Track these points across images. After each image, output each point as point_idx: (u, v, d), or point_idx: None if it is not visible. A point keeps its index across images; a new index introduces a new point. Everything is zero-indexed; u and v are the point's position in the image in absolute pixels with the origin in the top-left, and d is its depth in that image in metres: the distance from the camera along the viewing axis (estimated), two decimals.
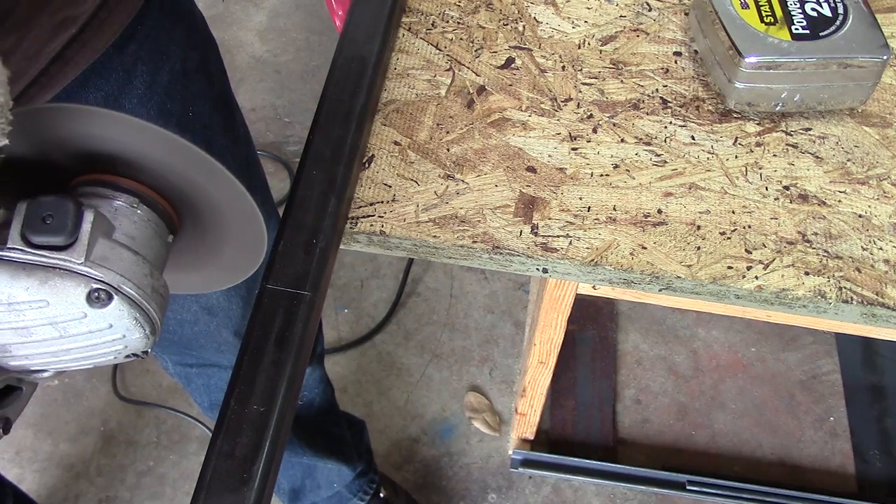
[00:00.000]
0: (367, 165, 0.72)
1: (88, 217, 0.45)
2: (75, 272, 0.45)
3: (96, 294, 0.45)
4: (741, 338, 1.74)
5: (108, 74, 0.70)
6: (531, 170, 0.72)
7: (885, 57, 0.73)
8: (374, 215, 0.69)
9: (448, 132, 0.75)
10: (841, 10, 0.75)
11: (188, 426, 1.62)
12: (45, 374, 0.50)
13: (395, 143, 0.73)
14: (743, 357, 1.72)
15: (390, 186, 0.71)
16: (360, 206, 0.69)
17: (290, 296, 0.57)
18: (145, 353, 0.50)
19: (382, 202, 0.70)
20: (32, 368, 0.49)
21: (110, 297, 0.45)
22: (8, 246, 0.44)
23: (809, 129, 0.77)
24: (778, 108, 0.76)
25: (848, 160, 0.75)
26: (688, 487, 1.51)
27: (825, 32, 0.74)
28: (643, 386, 1.68)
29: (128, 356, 0.49)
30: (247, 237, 0.54)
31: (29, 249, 0.44)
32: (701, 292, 0.68)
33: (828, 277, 0.67)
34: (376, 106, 0.75)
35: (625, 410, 1.65)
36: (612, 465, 1.53)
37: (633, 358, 1.72)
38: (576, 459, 1.53)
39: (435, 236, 0.68)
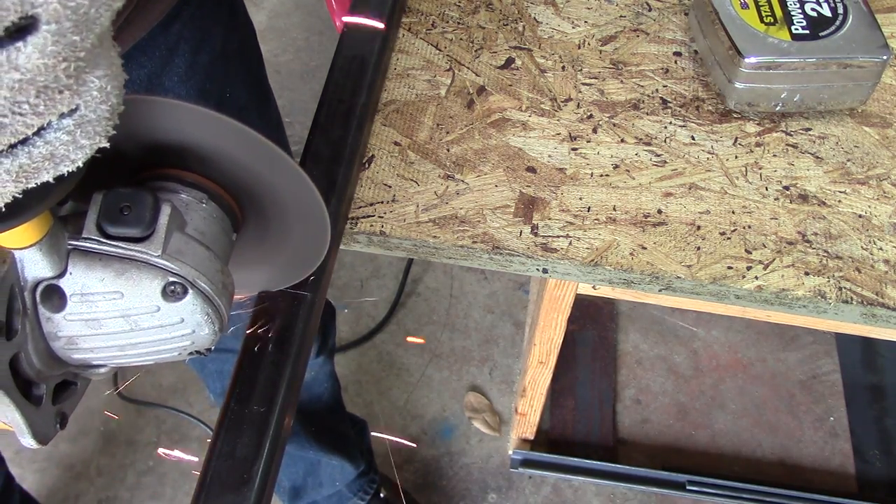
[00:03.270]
0: (367, 165, 0.72)
1: (166, 210, 0.44)
2: (152, 264, 0.44)
3: (172, 287, 0.44)
4: (741, 338, 1.74)
5: (151, 52, 0.71)
6: (531, 170, 0.72)
7: (885, 57, 0.73)
8: (374, 215, 0.69)
9: (448, 132, 0.75)
10: (841, 10, 0.75)
11: (188, 426, 1.62)
12: (103, 370, 0.50)
13: (395, 143, 0.73)
14: (743, 357, 1.72)
15: (390, 187, 0.71)
16: (360, 207, 0.69)
17: (291, 296, 0.57)
18: (209, 350, 0.49)
19: (382, 202, 0.70)
20: (94, 363, 0.48)
21: (185, 291, 0.45)
22: (83, 236, 0.43)
23: (809, 129, 0.77)
24: (778, 108, 0.76)
25: (848, 160, 0.75)
26: (688, 487, 1.51)
27: (825, 32, 0.74)
28: (643, 386, 1.68)
29: (191, 353, 0.48)
30: (309, 233, 0.53)
31: (104, 240, 0.43)
32: (701, 292, 0.68)
33: (828, 277, 0.67)
34: (376, 106, 0.75)
35: (625, 410, 1.65)
36: (612, 465, 1.53)
37: (633, 358, 1.72)
38: (576, 459, 1.53)
39: (435, 236, 0.68)
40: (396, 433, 1.59)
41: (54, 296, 0.44)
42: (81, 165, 0.37)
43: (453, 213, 0.69)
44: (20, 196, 0.36)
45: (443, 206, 0.70)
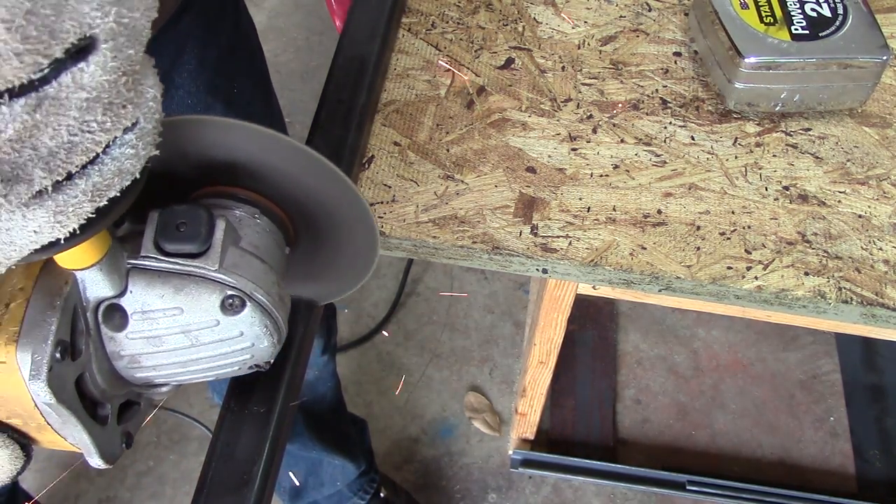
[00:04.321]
0: (366, 166, 0.72)
1: (220, 225, 0.45)
2: (210, 279, 0.44)
3: (230, 301, 0.45)
4: (741, 338, 1.74)
5: (160, 49, 0.71)
6: (531, 170, 0.72)
7: (885, 57, 0.73)
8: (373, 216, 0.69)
9: (448, 132, 0.75)
10: (841, 11, 0.75)
11: (188, 426, 1.62)
12: (165, 389, 0.50)
13: (395, 143, 0.74)
14: (743, 357, 1.72)
15: (390, 187, 0.71)
16: None
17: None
18: (269, 363, 0.49)
19: (382, 202, 0.70)
20: (156, 381, 0.49)
21: (243, 305, 0.45)
22: (142, 254, 0.44)
23: (809, 130, 0.77)
24: (778, 108, 0.76)
25: (848, 160, 0.75)
26: (688, 487, 1.51)
27: (825, 33, 0.74)
28: (643, 386, 1.68)
29: (251, 367, 0.49)
30: (359, 247, 0.54)
31: (162, 257, 0.44)
32: (701, 292, 0.68)
33: (827, 278, 0.67)
34: (376, 106, 0.75)
35: (625, 410, 1.65)
36: (612, 465, 1.53)
37: (633, 358, 1.72)
38: (576, 459, 1.53)
39: (435, 237, 0.68)
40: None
41: (116, 315, 0.45)
42: (139, 176, 0.38)
43: (453, 213, 0.69)
44: (94, 215, 0.37)
45: (442, 206, 0.70)
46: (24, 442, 0.46)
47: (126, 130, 0.37)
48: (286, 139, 0.46)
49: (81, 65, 0.33)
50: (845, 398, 1.67)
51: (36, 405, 0.42)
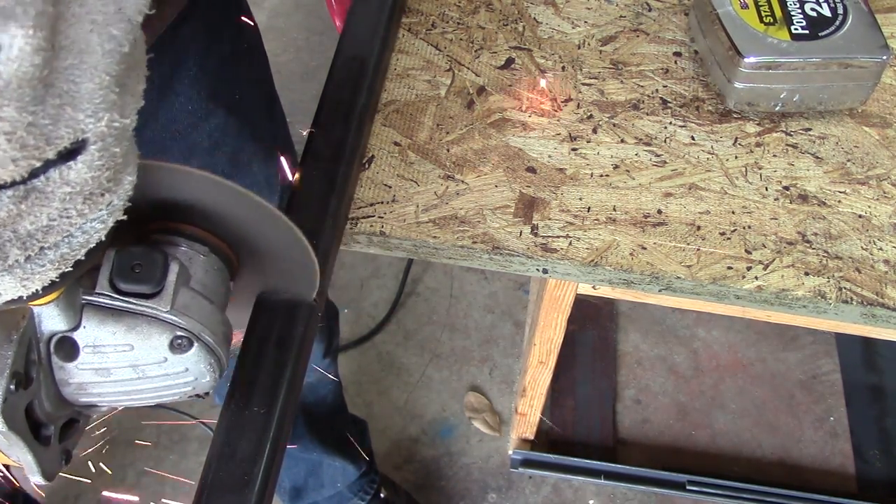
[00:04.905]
0: (367, 166, 0.72)
1: (174, 268, 0.47)
2: (161, 319, 0.47)
3: (179, 341, 0.47)
4: (741, 338, 1.74)
5: (161, 57, 0.72)
6: (531, 170, 0.72)
7: (885, 57, 0.73)
8: (374, 216, 0.69)
9: (448, 132, 0.75)
10: (841, 11, 0.75)
11: (188, 427, 1.62)
12: (104, 409, 0.52)
13: (395, 143, 0.73)
14: (743, 357, 1.72)
15: (390, 187, 0.71)
16: (360, 207, 0.69)
17: (291, 297, 0.57)
18: (207, 394, 0.52)
19: (382, 202, 0.70)
20: (99, 405, 0.51)
21: (191, 344, 0.48)
22: (96, 291, 0.46)
23: (809, 130, 0.77)
24: (778, 108, 0.76)
25: (848, 160, 0.75)
26: (688, 487, 1.51)
27: (825, 32, 0.74)
28: (643, 386, 1.68)
29: (191, 396, 0.52)
30: (298, 276, 0.56)
31: (117, 296, 0.46)
32: (701, 292, 0.68)
33: (828, 278, 0.67)
34: (376, 106, 0.75)
35: (625, 410, 1.65)
36: (612, 465, 1.53)
37: (633, 358, 1.72)
38: (576, 459, 1.53)
39: (435, 237, 0.68)
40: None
41: (67, 346, 0.47)
42: (104, 239, 0.40)
43: (453, 213, 0.69)
44: (58, 279, 0.40)
45: (443, 206, 0.70)
46: None
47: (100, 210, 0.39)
48: (233, 186, 0.49)
49: (70, 163, 0.35)
50: (845, 398, 1.67)
51: None
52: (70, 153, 0.35)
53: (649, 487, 1.53)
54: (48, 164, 0.34)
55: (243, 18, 0.84)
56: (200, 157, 0.81)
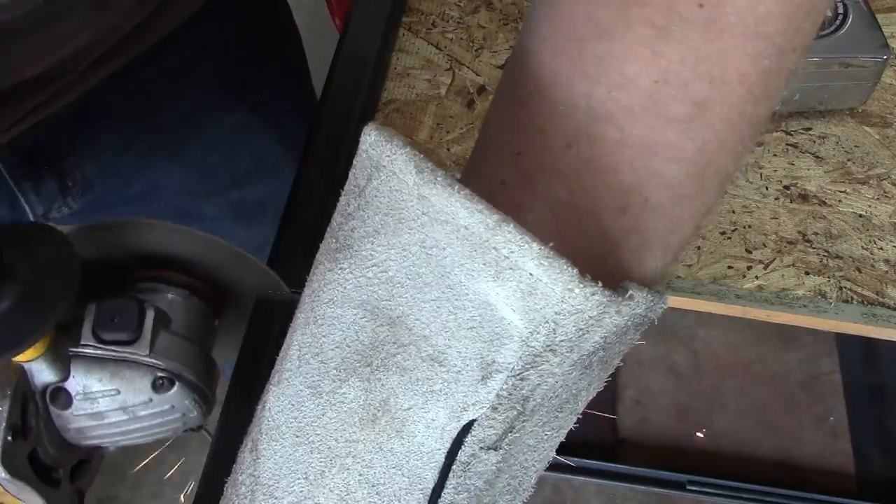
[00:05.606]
0: None
1: (150, 314, 0.51)
2: (142, 363, 0.51)
3: (160, 381, 0.51)
4: (741, 338, 1.74)
5: (184, 43, 0.72)
6: None
7: (885, 57, 0.73)
8: None
9: (448, 132, 0.74)
10: (841, 10, 0.75)
11: None
12: (110, 449, 0.57)
13: None
14: (743, 357, 1.72)
15: None
16: None
17: (290, 298, 0.57)
18: (200, 427, 0.57)
19: None
20: (102, 446, 0.56)
21: (173, 383, 0.52)
22: (81, 343, 0.50)
23: (809, 129, 0.77)
24: (778, 107, 0.76)
25: (848, 160, 0.75)
26: (688, 487, 1.50)
27: (825, 32, 0.74)
28: (643, 386, 1.68)
29: (185, 430, 0.57)
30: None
31: (100, 345, 0.50)
32: (701, 292, 0.68)
33: (828, 277, 0.67)
34: (376, 106, 0.75)
35: (625, 410, 1.65)
36: (612, 464, 1.52)
37: (633, 358, 1.72)
38: (576, 459, 1.53)
39: None
40: None
41: (61, 395, 0.51)
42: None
43: None
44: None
45: None
46: None
47: None
48: (208, 237, 0.53)
49: None
50: (845, 398, 1.67)
51: None
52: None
53: (649, 487, 1.52)
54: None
55: (278, 25, 0.84)
56: (220, 152, 0.81)
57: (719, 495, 1.54)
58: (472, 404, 0.31)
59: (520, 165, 0.33)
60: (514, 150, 0.33)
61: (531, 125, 0.33)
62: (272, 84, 0.84)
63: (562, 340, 0.30)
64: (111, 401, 0.51)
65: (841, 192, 0.73)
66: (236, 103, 0.80)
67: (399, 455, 0.32)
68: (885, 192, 0.73)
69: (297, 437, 0.33)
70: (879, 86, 0.78)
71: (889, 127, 0.77)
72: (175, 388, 0.52)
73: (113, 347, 0.51)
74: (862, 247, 0.69)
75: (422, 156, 0.31)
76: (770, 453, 1.61)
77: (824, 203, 0.72)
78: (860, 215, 0.71)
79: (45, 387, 0.50)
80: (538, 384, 0.31)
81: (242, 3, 0.79)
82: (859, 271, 0.68)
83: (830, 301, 0.66)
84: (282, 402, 0.35)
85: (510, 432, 0.32)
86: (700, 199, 0.35)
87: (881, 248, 0.69)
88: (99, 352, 0.51)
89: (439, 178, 0.30)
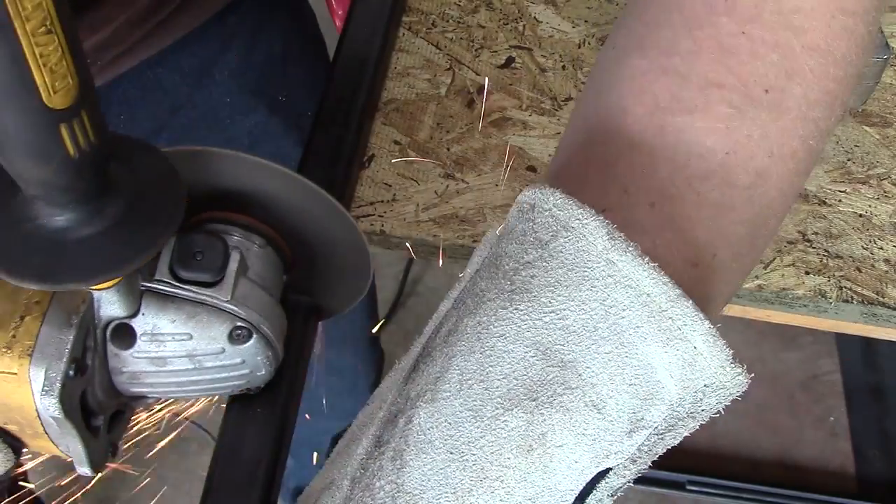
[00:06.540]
0: (367, 165, 0.72)
1: (235, 257, 0.46)
2: (222, 309, 0.46)
3: (238, 332, 0.46)
4: (741, 338, 1.74)
5: (205, 42, 0.72)
6: (531, 169, 0.72)
7: (885, 57, 0.73)
8: (374, 214, 0.69)
9: (448, 131, 0.75)
10: None
11: (187, 427, 1.62)
12: (149, 400, 0.51)
13: (396, 142, 0.73)
14: (743, 357, 1.72)
15: (390, 185, 0.71)
16: (360, 206, 0.69)
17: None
18: (259, 388, 0.51)
19: (382, 201, 0.70)
20: (149, 396, 0.50)
21: (250, 336, 0.47)
22: (156, 278, 0.45)
23: None
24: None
25: (848, 160, 0.75)
26: (688, 487, 1.51)
27: None
28: None
29: (244, 390, 0.51)
30: (353, 268, 0.55)
31: (176, 283, 0.45)
32: None
33: (828, 277, 0.68)
34: (376, 105, 0.75)
35: None
36: None
37: None
38: None
39: (435, 235, 0.68)
40: None
41: (124, 333, 0.46)
42: None
43: (454, 212, 0.69)
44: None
45: (443, 205, 0.70)
46: (16, 445, 0.47)
47: None
48: (288, 172, 0.48)
49: None
50: (845, 398, 1.67)
51: (39, 416, 0.43)
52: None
53: (649, 487, 1.53)
54: None
55: (301, 22, 0.84)
56: None
57: (719, 495, 1.54)
58: (615, 453, 0.34)
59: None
60: (599, 207, 0.36)
61: (616, 185, 0.37)
62: (293, 85, 0.84)
63: (703, 410, 0.37)
64: (180, 346, 0.46)
65: (841, 191, 0.73)
66: (256, 104, 0.80)
67: (537, 488, 0.35)
68: (885, 191, 0.73)
69: (451, 453, 0.35)
70: (879, 86, 0.78)
71: (889, 127, 0.77)
72: (251, 342, 0.47)
73: (191, 287, 0.45)
74: (862, 246, 0.69)
75: (614, 225, 0.35)
76: (770, 453, 1.62)
77: (824, 203, 0.72)
78: (860, 215, 0.71)
79: (109, 321, 0.45)
80: (669, 445, 0.36)
81: (265, 1, 0.78)
82: (859, 271, 0.68)
83: (830, 301, 0.66)
84: (437, 419, 0.37)
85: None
86: (751, 258, 0.41)
87: (881, 248, 0.69)
88: (175, 290, 0.45)
89: (630, 248, 0.34)
